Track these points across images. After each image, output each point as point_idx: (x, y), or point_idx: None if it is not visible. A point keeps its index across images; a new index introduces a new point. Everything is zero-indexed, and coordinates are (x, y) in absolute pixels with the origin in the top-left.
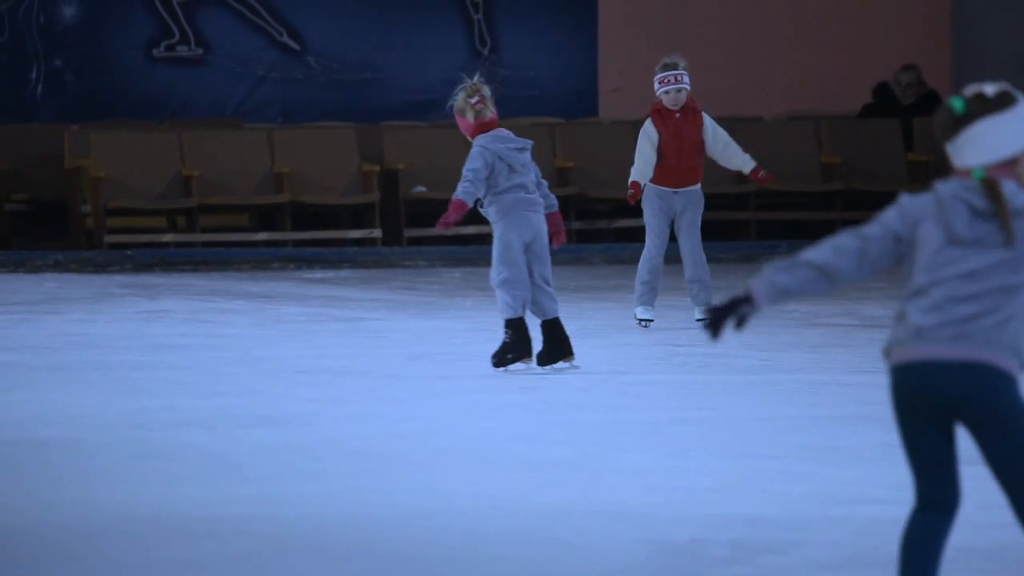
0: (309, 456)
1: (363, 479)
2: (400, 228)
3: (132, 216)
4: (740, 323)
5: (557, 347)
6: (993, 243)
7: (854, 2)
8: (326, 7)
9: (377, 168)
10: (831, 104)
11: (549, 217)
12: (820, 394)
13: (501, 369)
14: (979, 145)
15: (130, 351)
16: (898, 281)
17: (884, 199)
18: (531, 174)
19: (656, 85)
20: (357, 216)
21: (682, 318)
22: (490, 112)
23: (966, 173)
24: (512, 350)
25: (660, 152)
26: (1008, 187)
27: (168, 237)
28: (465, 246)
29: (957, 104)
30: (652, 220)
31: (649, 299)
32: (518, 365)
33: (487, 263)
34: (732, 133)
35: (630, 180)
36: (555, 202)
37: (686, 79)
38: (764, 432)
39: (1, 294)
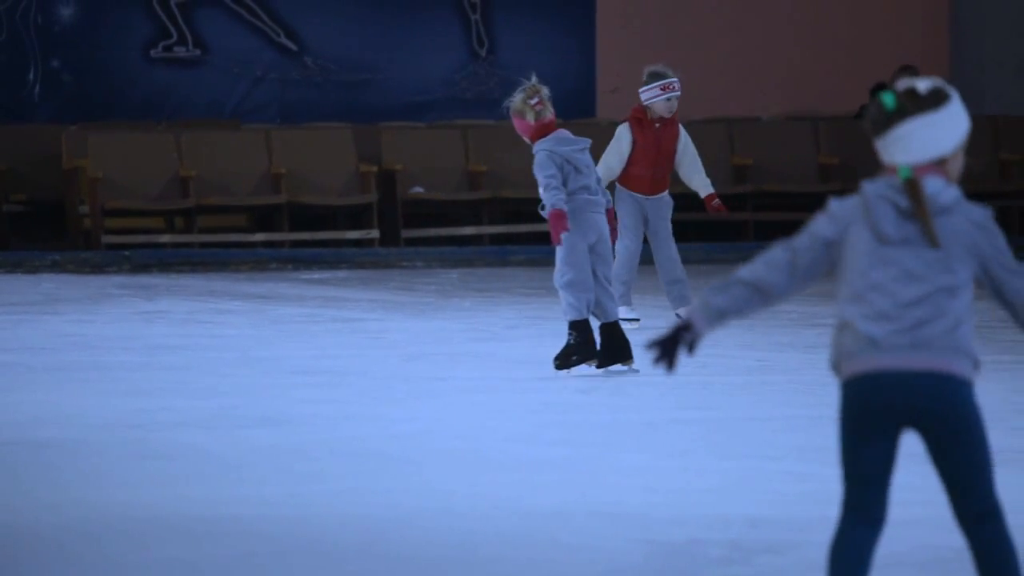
0: (308, 457)
1: (362, 479)
2: (398, 229)
3: (130, 217)
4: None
5: (616, 350)
6: (921, 243)
7: (853, 2)
8: (324, 8)
9: (375, 169)
10: (829, 104)
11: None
12: (818, 394)
13: (564, 371)
14: (907, 144)
15: (128, 352)
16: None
17: None
18: (593, 175)
19: (657, 91)
20: (355, 217)
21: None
22: (550, 113)
23: (893, 171)
24: (576, 352)
25: (631, 160)
26: (932, 185)
27: (166, 238)
28: (462, 247)
29: (888, 100)
30: (627, 220)
31: (629, 298)
32: (582, 368)
33: (484, 264)
34: (730, 133)
35: None
36: (610, 198)
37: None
38: (763, 432)
39: None
